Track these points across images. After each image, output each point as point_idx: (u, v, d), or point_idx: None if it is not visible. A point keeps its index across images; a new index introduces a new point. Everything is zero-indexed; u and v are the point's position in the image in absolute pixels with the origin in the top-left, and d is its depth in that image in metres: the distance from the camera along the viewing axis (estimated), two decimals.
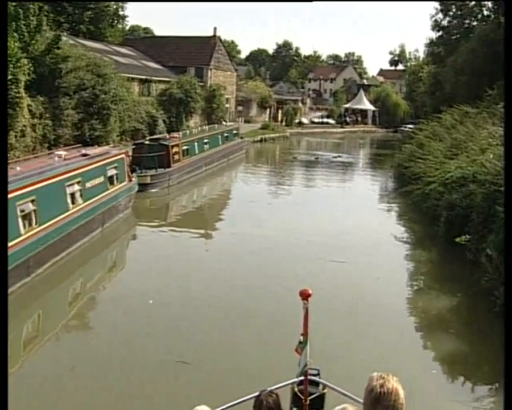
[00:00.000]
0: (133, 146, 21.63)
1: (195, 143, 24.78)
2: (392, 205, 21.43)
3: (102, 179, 14.24)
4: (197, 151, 24.69)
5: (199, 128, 29.73)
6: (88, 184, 13.31)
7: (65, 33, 21.96)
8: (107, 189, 14.67)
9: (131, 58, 37.18)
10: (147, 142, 21.78)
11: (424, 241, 15.71)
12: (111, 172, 15.04)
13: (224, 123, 33.87)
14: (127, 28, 70.65)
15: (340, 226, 16.55)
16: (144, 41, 45.06)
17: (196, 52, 41.51)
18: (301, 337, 3.56)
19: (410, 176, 20.64)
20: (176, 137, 23.19)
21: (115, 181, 15.34)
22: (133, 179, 17.14)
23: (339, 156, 36.14)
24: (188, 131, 26.35)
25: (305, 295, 3.47)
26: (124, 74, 28.62)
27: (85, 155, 14.01)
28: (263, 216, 17.63)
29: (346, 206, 20.33)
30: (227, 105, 44.37)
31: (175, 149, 22.05)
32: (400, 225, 18.13)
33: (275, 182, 25.68)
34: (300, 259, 12.52)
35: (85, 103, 22.20)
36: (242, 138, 34.56)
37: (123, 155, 16.09)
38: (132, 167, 18.23)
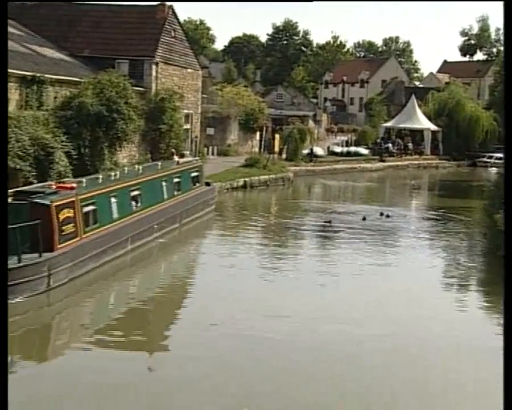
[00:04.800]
0: None
1: (113, 199, 22.76)
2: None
3: None
4: (115, 214, 22.85)
5: (125, 169, 28.03)
6: None
7: None
8: None
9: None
10: (9, 200, 18.73)
11: None
12: None
13: (176, 158, 32.21)
14: None
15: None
16: (38, 10, 43.26)
17: (131, 33, 40.75)
18: None
19: None
20: (70, 188, 20.74)
21: None
22: None
23: (386, 215, 34.60)
24: (100, 176, 24.33)
25: None
26: None
27: None
28: (237, 367, 14.60)
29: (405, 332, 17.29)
30: (186, 126, 44.38)
31: (66, 212, 19.57)
32: None
33: (266, 274, 22.92)
34: None
35: None
36: (209, 183, 33.59)
37: None
38: None
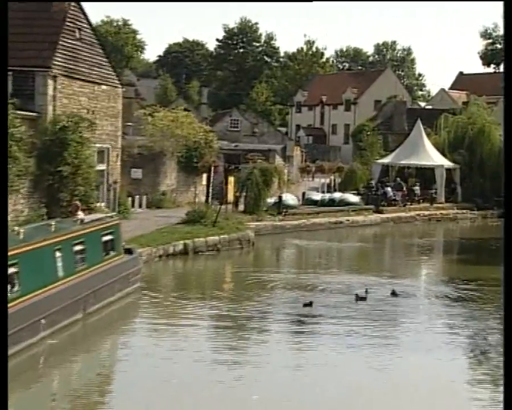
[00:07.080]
0: None
1: None
2: None
3: None
4: None
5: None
6: None
7: None
8: None
9: None
10: None
11: None
12: None
13: (80, 214, 31.37)
14: None
15: None
16: None
17: (16, 33, 39.03)
18: None
19: None
20: None
21: None
22: None
23: (392, 293, 34.56)
24: None
25: None
26: None
27: None
28: None
29: None
30: (100, 167, 44.49)
31: None
32: None
33: (214, 399, 21.04)
34: None
35: None
36: (130, 250, 33.06)
37: None
38: None
